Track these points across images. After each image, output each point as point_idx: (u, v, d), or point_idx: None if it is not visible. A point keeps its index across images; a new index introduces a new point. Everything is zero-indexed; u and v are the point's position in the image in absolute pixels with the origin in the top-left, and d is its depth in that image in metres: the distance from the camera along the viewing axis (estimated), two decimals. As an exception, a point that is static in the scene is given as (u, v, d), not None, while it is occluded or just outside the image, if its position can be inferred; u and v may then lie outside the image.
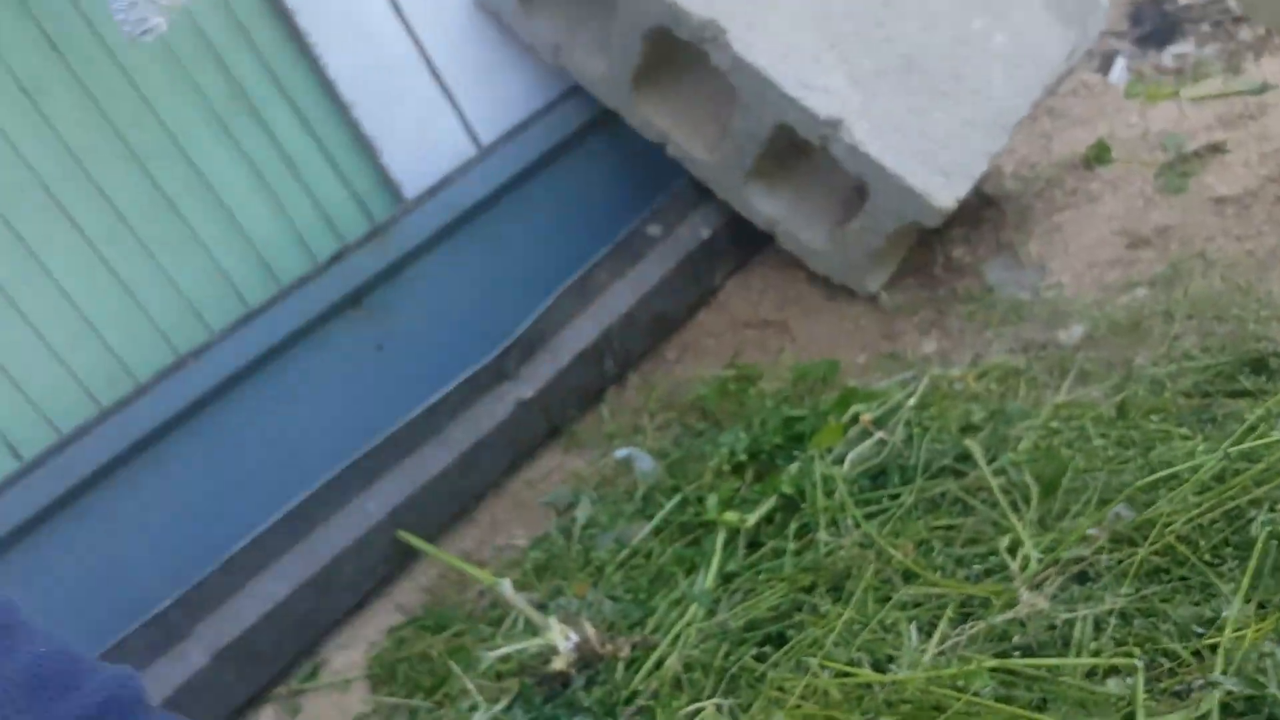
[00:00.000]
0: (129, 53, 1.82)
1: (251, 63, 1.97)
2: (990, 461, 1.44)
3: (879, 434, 1.59)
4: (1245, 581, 1.01)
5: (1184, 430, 1.37)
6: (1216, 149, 2.08)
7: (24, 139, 1.76)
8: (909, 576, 1.28)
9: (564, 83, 2.23)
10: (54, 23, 1.73)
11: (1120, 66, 2.75)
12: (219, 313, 1.94)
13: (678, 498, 1.77)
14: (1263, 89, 2.21)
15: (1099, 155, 2.19)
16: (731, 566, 1.53)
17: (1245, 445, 1.13)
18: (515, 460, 2.08)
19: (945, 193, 1.82)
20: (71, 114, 1.80)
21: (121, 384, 1.86)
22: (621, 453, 1.99)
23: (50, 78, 1.78)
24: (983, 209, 2.16)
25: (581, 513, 1.91)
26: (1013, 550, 1.25)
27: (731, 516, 1.58)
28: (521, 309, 1.97)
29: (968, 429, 1.56)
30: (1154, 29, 2.89)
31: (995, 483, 1.39)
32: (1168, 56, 2.75)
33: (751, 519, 1.57)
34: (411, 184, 2.12)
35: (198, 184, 1.94)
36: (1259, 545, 1.03)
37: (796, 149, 1.99)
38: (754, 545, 1.58)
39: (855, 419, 1.64)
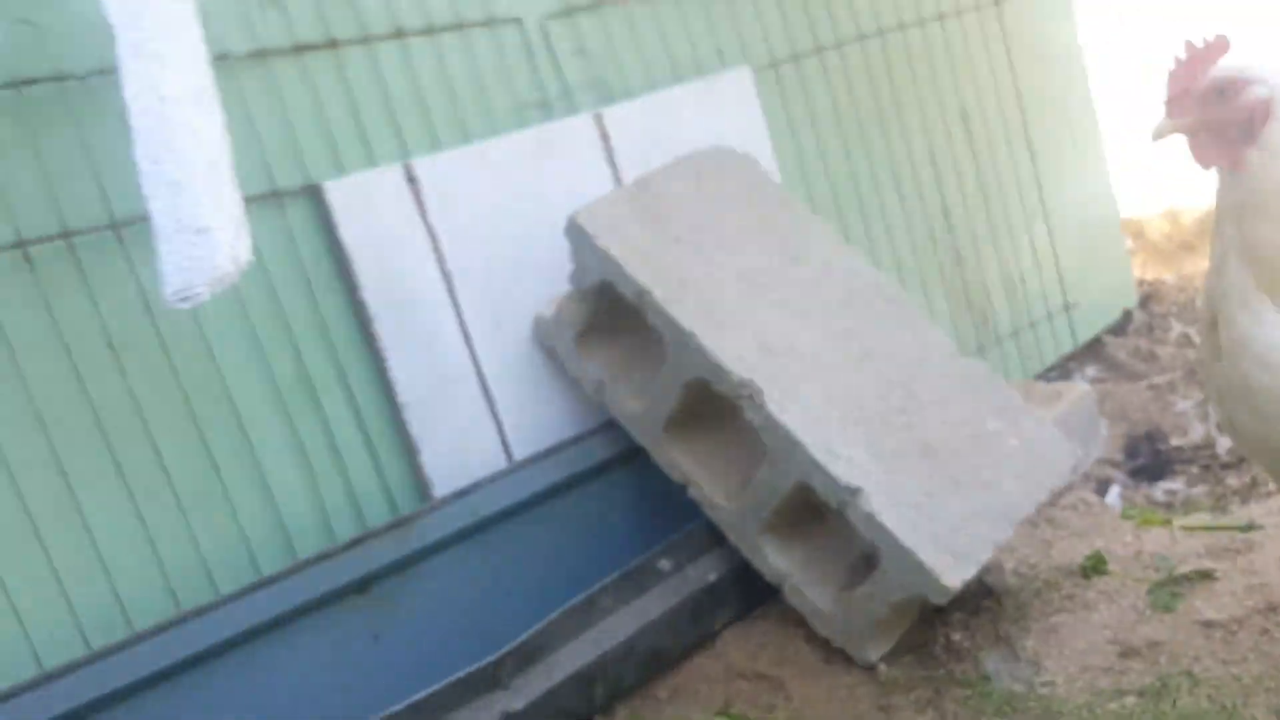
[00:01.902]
0: (214, 323, 1.93)
1: (323, 354, 2.10)
2: None
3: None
4: None
5: None
6: (1206, 575, 2.17)
7: (97, 388, 1.85)
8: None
9: (600, 416, 2.31)
10: (152, 284, 1.72)
11: (1114, 494, 2.87)
12: (230, 576, 1.97)
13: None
14: (1249, 527, 2.30)
15: (1095, 566, 2.28)
16: None
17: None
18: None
19: (952, 573, 1.91)
20: (146, 372, 1.89)
21: (116, 629, 1.86)
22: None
23: (138, 336, 1.90)
24: (983, 598, 2.22)
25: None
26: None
27: None
28: (523, 621, 1.98)
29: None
30: (1147, 464, 3.02)
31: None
32: (1159, 491, 2.90)
33: None
34: (441, 484, 2.18)
35: (244, 452, 2.01)
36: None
37: (812, 510, 2.04)
38: None
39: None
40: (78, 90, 1.83)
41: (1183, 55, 1.58)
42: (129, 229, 1.84)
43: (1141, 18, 4.93)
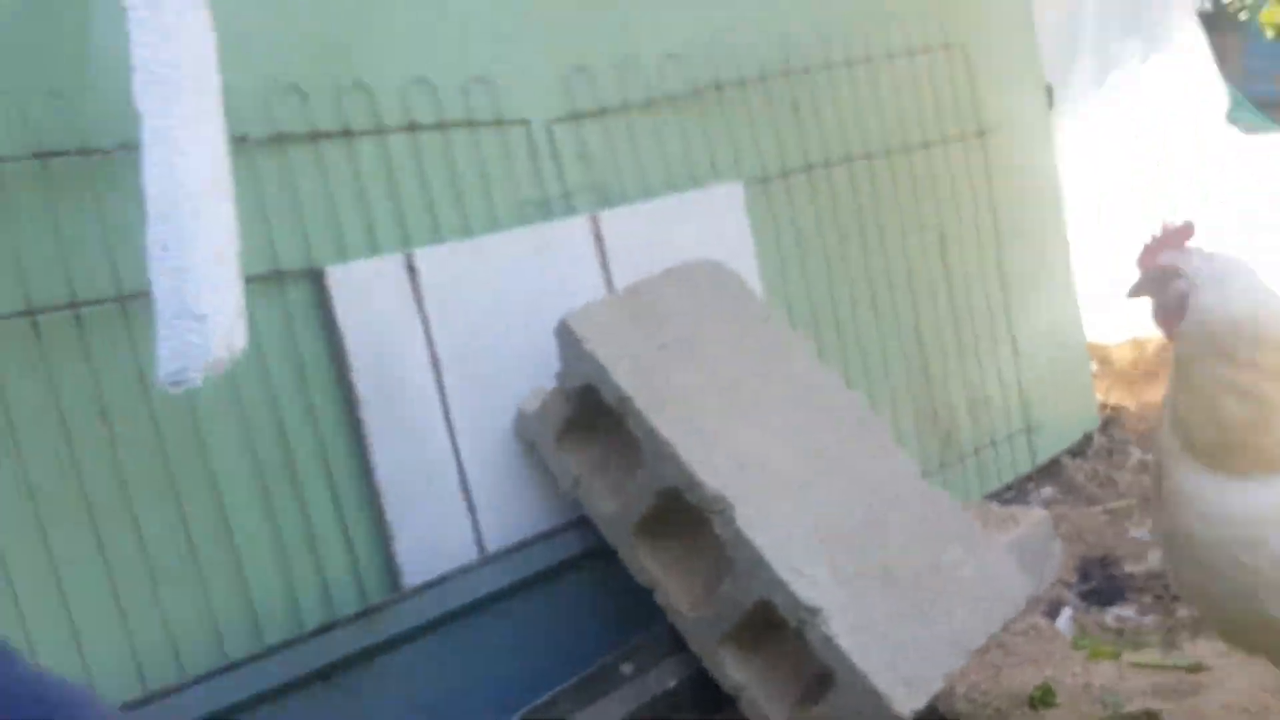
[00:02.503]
0: (205, 398, 1.94)
1: (309, 435, 2.14)
2: None
3: None
4: None
5: None
6: (1152, 717, 2.23)
7: (87, 459, 1.88)
8: None
9: (574, 512, 2.36)
10: (149, 360, 1.75)
11: (1066, 616, 2.94)
12: (197, 657, 1.98)
13: None
14: (1197, 668, 2.39)
15: (1044, 698, 2.36)
16: None
17: None
18: None
19: (905, 701, 1.96)
20: (135, 445, 1.92)
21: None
22: None
23: (131, 409, 1.92)
24: (932, 726, 2.30)
25: None
26: None
27: None
28: (485, 717, 2.03)
29: None
30: (1100, 588, 3.09)
31: None
32: (1110, 616, 2.96)
33: None
34: (412, 574, 2.21)
35: (221, 532, 2.03)
36: None
37: (772, 624, 2.09)
38: None
39: None
40: (101, 164, 1.89)
41: (1156, 233, 1.71)
42: (134, 303, 1.89)
43: (1117, 150, 5.14)
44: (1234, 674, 2.32)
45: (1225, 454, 1.61)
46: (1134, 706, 2.27)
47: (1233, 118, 6.16)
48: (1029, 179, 3.72)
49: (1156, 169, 4.98)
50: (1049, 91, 3.94)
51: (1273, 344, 1.58)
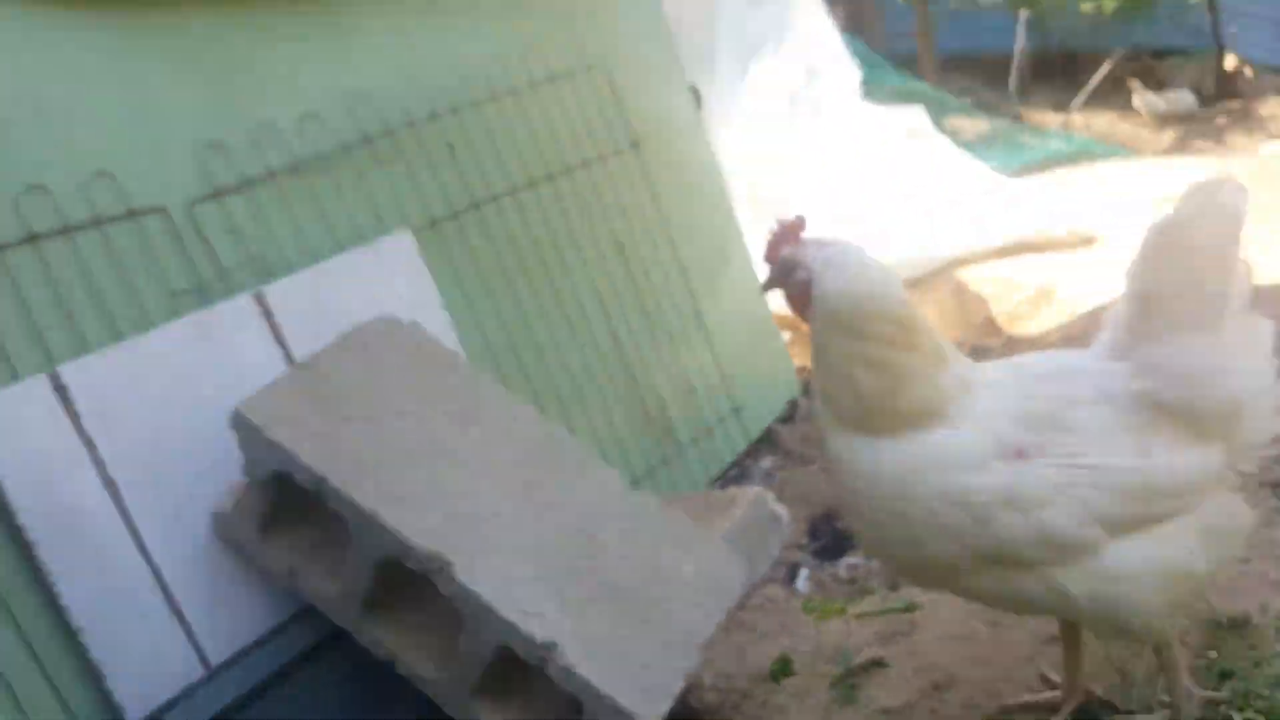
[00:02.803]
0: None
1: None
2: None
3: None
4: None
5: None
6: (879, 664, 2.40)
7: None
8: None
9: (298, 603, 2.26)
10: None
11: (803, 576, 3.13)
12: None
13: None
14: (910, 608, 2.58)
15: (783, 668, 2.49)
16: None
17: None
18: None
19: (649, 709, 2.02)
20: None
21: None
22: None
23: None
24: None
25: None
26: None
27: None
28: None
29: None
30: (828, 544, 3.28)
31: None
32: (842, 567, 3.16)
33: None
34: (135, 708, 2.06)
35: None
36: None
37: (520, 665, 2.08)
38: None
39: None
40: None
41: (773, 229, 1.84)
42: None
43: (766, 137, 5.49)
44: (943, 606, 2.52)
45: (867, 419, 1.76)
46: (863, 657, 2.43)
47: (870, 85, 6.73)
48: (690, 177, 3.92)
49: (797, 153, 5.37)
50: (695, 93, 4.16)
51: (889, 316, 1.75)
